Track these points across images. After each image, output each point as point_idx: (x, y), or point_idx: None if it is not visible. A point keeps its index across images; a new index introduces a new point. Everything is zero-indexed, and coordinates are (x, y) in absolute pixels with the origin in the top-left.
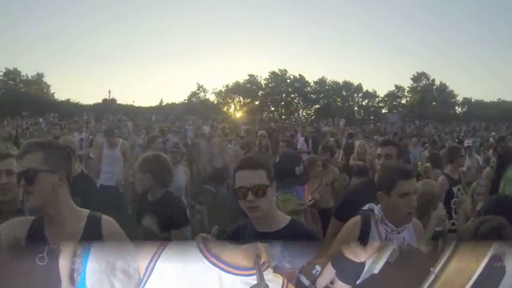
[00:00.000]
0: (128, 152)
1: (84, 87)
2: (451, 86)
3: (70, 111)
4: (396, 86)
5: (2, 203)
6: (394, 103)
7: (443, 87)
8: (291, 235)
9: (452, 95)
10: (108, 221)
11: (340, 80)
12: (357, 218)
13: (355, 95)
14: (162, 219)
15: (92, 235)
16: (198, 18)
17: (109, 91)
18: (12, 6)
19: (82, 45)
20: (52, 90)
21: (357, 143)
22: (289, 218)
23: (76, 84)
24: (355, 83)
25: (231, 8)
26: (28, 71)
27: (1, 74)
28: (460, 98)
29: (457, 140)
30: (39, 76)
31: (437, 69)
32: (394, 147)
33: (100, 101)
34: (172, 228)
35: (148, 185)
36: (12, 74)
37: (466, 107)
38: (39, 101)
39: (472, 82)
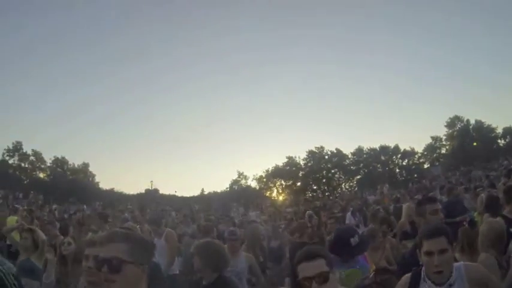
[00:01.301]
0: (172, 241)
1: (127, 177)
2: (487, 120)
3: (114, 199)
4: (432, 138)
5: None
6: (435, 155)
7: (479, 124)
8: None
9: (490, 129)
10: None
11: (377, 146)
12: (408, 275)
13: (394, 157)
14: None
15: None
16: (232, 105)
17: (151, 181)
18: (59, 98)
19: (126, 137)
20: (97, 179)
21: (404, 206)
22: None
23: (120, 175)
24: (392, 145)
25: (259, 98)
26: (75, 160)
27: (50, 161)
28: (499, 130)
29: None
30: (85, 165)
31: (468, 108)
32: (434, 203)
33: (143, 191)
34: None
35: (200, 267)
36: (60, 162)
37: (508, 137)
38: (85, 189)
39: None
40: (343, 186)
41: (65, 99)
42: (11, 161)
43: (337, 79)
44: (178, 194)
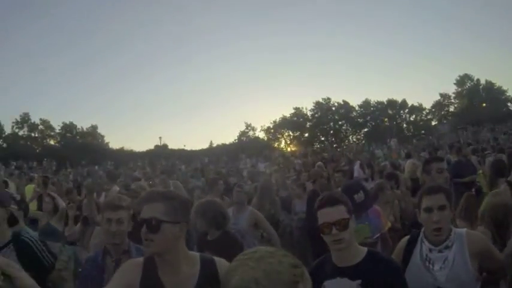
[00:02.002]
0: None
1: (136, 135)
2: (498, 82)
3: (125, 158)
4: (441, 95)
5: (112, 245)
6: (443, 112)
7: (489, 85)
8: (371, 267)
9: (501, 91)
10: (221, 263)
11: (384, 99)
12: (406, 238)
13: (401, 111)
14: (221, 256)
15: (208, 278)
16: (238, 57)
17: (160, 137)
18: (60, 62)
19: (132, 96)
20: (106, 140)
21: (407, 162)
22: (365, 249)
23: (128, 133)
24: (399, 100)
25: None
26: (83, 123)
27: (59, 128)
28: (510, 93)
29: None
30: (94, 128)
31: (480, 68)
32: (441, 162)
33: (152, 147)
34: None
35: (204, 228)
36: (68, 128)
37: None
38: (96, 150)
39: None
40: (350, 138)
41: (66, 63)
42: (20, 133)
43: (346, 31)
44: (187, 147)
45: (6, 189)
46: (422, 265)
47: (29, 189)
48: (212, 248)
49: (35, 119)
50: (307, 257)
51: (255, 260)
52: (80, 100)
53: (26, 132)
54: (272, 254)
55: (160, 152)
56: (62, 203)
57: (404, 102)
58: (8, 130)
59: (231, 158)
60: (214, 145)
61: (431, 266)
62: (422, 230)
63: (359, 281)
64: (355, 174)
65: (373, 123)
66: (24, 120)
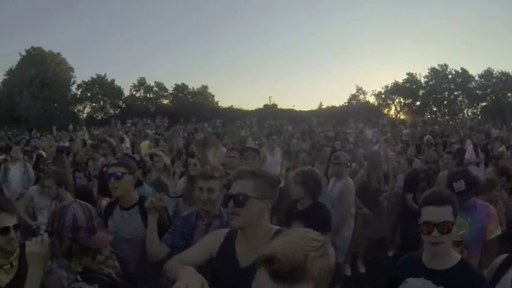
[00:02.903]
0: (283, 160)
1: (245, 94)
2: None
3: (233, 116)
4: None
5: (203, 211)
6: None
7: None
8: (458, 277)
9: None
10: None
11: (510, 70)
12: (505, 255)
13: None
14: (308, 227)
15: None
16: (353, 20)
17: (270, 97)
18: (174, 28)
19: (242, 55)
20: (216, 99)
21: None
22: (459, 257)
23: (238, 93)
24: None
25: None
26: (195, 84)
27: (172, 89)
28: None
29: None
30: (204, 88)
31: None
32: None
33: (261, 106)
34: None
35: (300, 196)
36: (180, 88)
37: None
38: (205, 109)
39: None
40: (465, 112)
41: (175, 29)
42: (137, 95)
43: None
44: (297, 108)
45: (122, 144)
46: None
47: (144, 145)
48: (301, 217)
49: (150, 82)
50: (395, 234)
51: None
52: (192, 63)
53: (142, 94)
54: (298, 231)
55: (269, 112)
56: (168, 161)
57: None
58: (127, 93)
59: (339, 121)
60: (324, 107)
61: None
62: None
63: None
64: (467, 155)
65: (494, 97)
66: (141, 83)
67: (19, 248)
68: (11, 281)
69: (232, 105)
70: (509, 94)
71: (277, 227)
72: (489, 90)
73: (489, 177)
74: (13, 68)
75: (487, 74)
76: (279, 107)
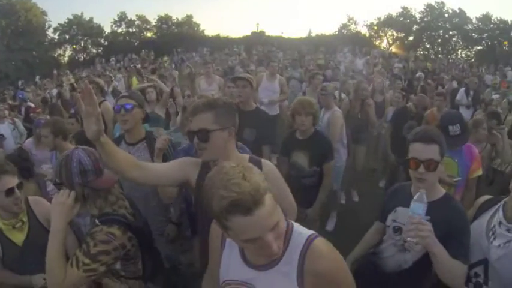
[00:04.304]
0: (285, 88)
1: (232, 22)
2: None
3: (220, 44)
4: None
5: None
6: None
7: None
8: (442, 208)
9: None
10: (267, 165)
11: (510, 19)
12: (487, 197)
13: None
14: (312, 155)
15: None
16: None
17: (257, 23)
18: None
19: None
20: (202, 28)
21: None
22: (444, 191)
23: (225, 20)
24: None
25: None
26: (179, 15)
27: (155, 20)
28: None
29: None
30: (189, 17)
31: None
32: None
33: (249, 33)
34: (324, 162)
35: (308, 125)
36: (164, 19)
37: None
38: (191, 38)
39: None
40: (459, 53)
41: None
42: (119, 30)
43: None
44: (285, 35)
45: (112, 81)
46: (485, 231)
47: (135, 82)
48: (304, 147)
49: (131, 16)
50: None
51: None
52: None
53: (124, 29)
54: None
55: (257, 39)
56: (165, 88)
57: None
58: (107, 30)
59: (330, 49)
60: (313, 35)
61: (492, 238)
62: (506, 199)
63: (428, 217)
64: (458, 97)
65: (490, 43)
66: (121, 18)
67: (24, 204)
68: (27, 237)
69: (219, 34)
70: (505, 42)
71: (249, 155)
72: (485, 35)
73: (475, 118)
74: None
75: (485, 18)
76: (267, 34)
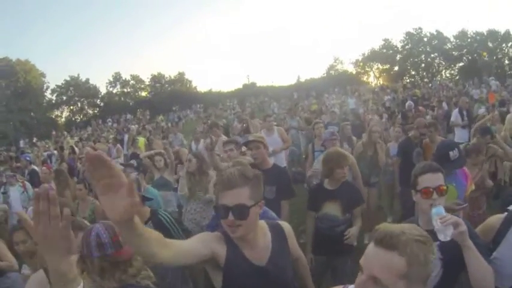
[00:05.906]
0: (285, 136)
1: (223, 75)
2: None
3: (213, 100)
4: None
5: None
6: None
7: None
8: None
9: None
10: (287, 227)
11: (484, 30)
12: (499, 216)
13: (504, 45)
14: (345, 203)
15: (280, 242)
16: None
17: (247, 76)
18: (147, 18)
19: (216, 36)
20: (194, 84)
21: (508, 116)
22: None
23: (215, 75)
24: (502, 31)
25: None
26: (171, 72)
27: (148, 80)
28: None
29: None
30: (181, 74)
31: None
32: None
33: (240, 86)
34: (355, 207)
35: (323, 174)
36: (157, 78)
37: None
38: (185, 96)
39: None
40: (443, 73)
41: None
42: (114, 91)
43: None
44: (275, 84)
45: (119, 145)
46: None
47: (141, 142)
48: (335, 196)
49: (126, 76)
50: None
51: None
52: (166, 50)
53: (119, 90)
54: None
55: (249, 90)
56: (171, 157)
57: (507, 33)
58: (103, 91)
59: (320, 92)
60: (303, 80)
61: None
62: None
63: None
64: (452, 118)
65: (470, 57)
66: (116, 78)
67: None
68: None
69: (211, 89)
70: (484, 53)
71: (265, 221)
72: (465, 50)
73: (475, 142)
74: None
75: (462, 34)
76: (258, 84)
